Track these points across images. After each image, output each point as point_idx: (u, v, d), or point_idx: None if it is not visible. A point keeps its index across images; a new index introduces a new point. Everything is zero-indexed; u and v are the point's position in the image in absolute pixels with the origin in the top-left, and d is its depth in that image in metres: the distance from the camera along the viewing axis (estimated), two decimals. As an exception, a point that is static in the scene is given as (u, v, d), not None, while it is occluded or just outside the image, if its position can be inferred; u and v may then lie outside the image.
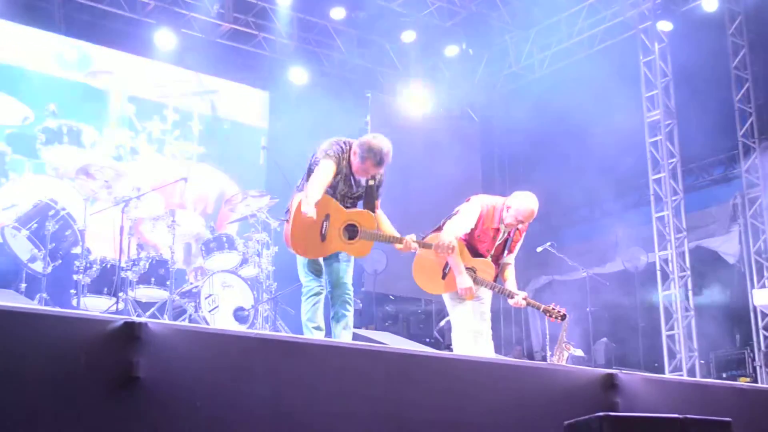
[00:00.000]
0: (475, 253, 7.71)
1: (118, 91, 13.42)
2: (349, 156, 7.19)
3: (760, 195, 14.58)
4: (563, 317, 7.93)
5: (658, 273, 14.77)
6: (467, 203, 7.81)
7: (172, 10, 14.92)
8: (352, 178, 7.22)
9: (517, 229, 7.86)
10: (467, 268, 7.60)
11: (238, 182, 15.12)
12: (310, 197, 6.71)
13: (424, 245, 7.37)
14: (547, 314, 7.92)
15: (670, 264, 14.66)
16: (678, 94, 15.07)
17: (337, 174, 7.07)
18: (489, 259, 7.77)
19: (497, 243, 7.79)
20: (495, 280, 7.80)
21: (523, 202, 7.72)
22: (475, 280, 7.60)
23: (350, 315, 7.28)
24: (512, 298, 7.73)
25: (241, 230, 11.99)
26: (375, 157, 7.09)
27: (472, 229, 7.68)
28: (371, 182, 7.30)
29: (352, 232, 7.08)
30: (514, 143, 18.18)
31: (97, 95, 13.64)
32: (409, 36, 16.88)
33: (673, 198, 14.82)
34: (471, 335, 7.64)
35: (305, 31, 16.49)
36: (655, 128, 15.15)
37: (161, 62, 14.96)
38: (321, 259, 7.15)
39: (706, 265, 15.06)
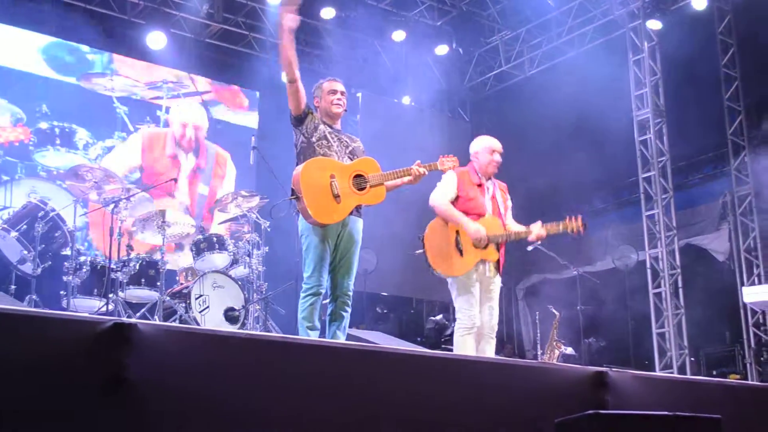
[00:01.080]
0: (476, 216, 7.72)
1: (110, 93, 13.38)
2: (320, 115, 7.40)
3: (750, 193, 14.64)
4: (583, 225, 7.77)
5: (648, 271, 14.82)
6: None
7: (161, 10, 14.92)
8: (335, 132, 7.35)
9: (501, 191, 8.06)
10: None
11: (235, 186, 15.11)
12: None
13: (431, 166, 7.46)
14: (568, 229, 7.76)
15: (660, 262, 14.70)
16: (667, 92, 15.12)
17: (321, 132, 7.20)
18: (490, 215, 7.80)
19: (488, 198, 7.85)
20: None
21: (480, 140, 8.10)
22: (488, 239, 7.60)
23: (347, 317, 7.26)
24: (530, 235, 7.74)
25: (231, 231, 11.98)
26: (319, 81, 7.56)
27: (460, 196, 7.75)
28: (354, 144, 7.45)
29: (361, 182, 7.10)
30: (504, 142, 18.14)
31: (90, 96, 13.60)
32: (399, 35, 16.90)
33: (663, 196, 14.86)
34: (469, 332, 7.63)
35: (295, 31, 16.42)
36: (644, 127, 15.19)
37: (153, 64, 14.93)
38: (329, 255, 7.07)
39: (695, 263, 15.10)
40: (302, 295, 7.06)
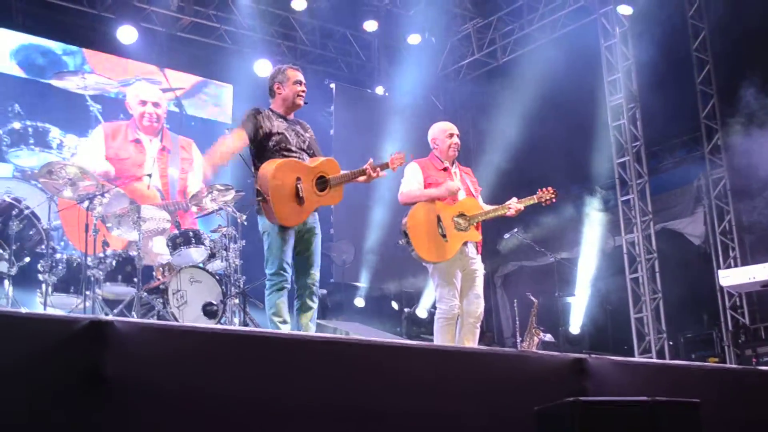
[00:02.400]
0: (452, 201, 7.81)
1: (83, 91, 13.26)
2: (276, 105, 7.45)
3: (724, 176, 14.69)
4: (554, 194, 8.03)
5: (625, 256, 14.88)
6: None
7: (131, 4, 14.82)
8: (290, 125, 7.39)
9: (467, 174, 8.18)
10: (459, 214, 7.71)
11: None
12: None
13: (383, 166, 7.50)
14: (541, 200, 8.02)
15: (636, 247, 14.76)
16: (640, 77, 15.15)
17: (276, 131, 7.24)
18: (465, 197, 7.90)
19: (457, 180, 7.95)
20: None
21: (435, 126, 8.19)
22: (469, 220, 7.71)
23: (316, 306, 7.32)
24: (508, 210, 7.88)
25: (207, 225, 11.93)
26: (281, 67, 7.53)
27: (429, 183, 7.82)
28: (308, 134, 7.53)
29: (322, 183, 7.20)
30: (477, 129, 18.21)
31: (63, 95, 13.48)
32: (371, 25, 16.88)
33: (638, 181, 14.92)
34: (449, 322, 7.65)
35: (267, 23, 16.42)
36: (618, 112, 15.24)
37: (125, 59, 14.83)
38: (291, 250, 7.15)
39: (672, 247, 15.16)
40: (268, 291, 7.12)
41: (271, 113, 7.38)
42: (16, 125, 11.87)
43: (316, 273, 7.31)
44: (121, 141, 13.61)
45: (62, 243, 12.44)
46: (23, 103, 12.63)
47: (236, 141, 7.25)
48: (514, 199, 7.96)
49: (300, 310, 7.23)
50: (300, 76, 7.47)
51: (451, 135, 8.03)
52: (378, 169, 7.42)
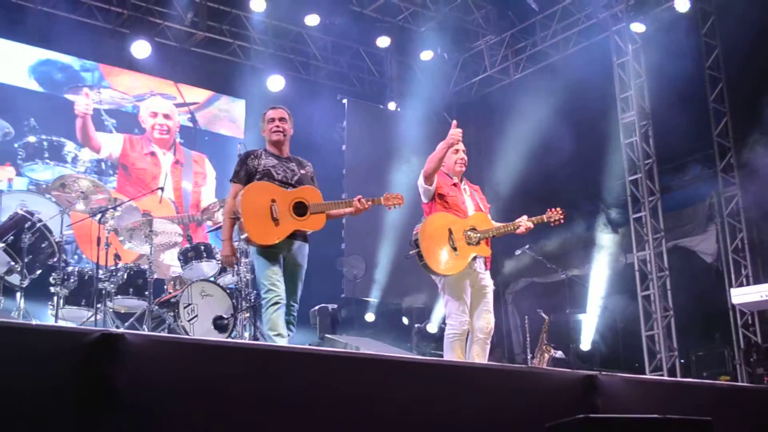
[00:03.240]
0: (463, 214, 7.81)
1: (98, 105, 13.33)
2: (261, 150, 7.59)
3: (736, 194, 14.65)
4: (563, 215, 8.12)
5: (637, 274, 14.83)
6: None
7: (146, 19, 14.90)
8: (281, 162, 7.49)
9: (476, 191, 8.16)
10: (470, 228, 7.69)
11: (216, 191, 15.09)
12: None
13: (375, 201, 7.60)
14: (550, 220, 8.11)
15: (648, 264, 14.72)
16: (652, 95, 15.14)
17: (263, 168, 7.37)
18: (476, 212, 7.91)
19: (467, 197, 7.97)
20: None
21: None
22: (480, 235, 7.69)
23: (293, 335, 7.43)
24: (518, 228, 7.91)
25: (218, 239, 11.94)
26: (266, 112, 7.73)
27: (442, 194, 7.81)
28: (303, 171, 7.57)
29: (302, 209, 7.28)
30: (489, 146, 18.23)
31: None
32: (384, 41, 16.92)
33: (650, 198, 14.90)
34: (459, 338, 7.64)
35: (280, 38, 16.48)
36: (630, 129, 15.23)
37: (141, 74, 14.90)
38: (280, 270, 7.26)
39: (684, 265, 15.10)
40: (264, 309, 7.23)
41: (263, 153, 7.55)
42: (32, 139, 11.95)
43: (295, 303, 7.41)
44: (138, 153, 13.72)
45: (76, 256, 12.48)
46: (39, 118, 12.69)
47: (232, 201, 7.39)
48: (525, 217, 8.00)
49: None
50: (271, 114, 7.69)
51: (457, 151, 8.03)
52: (367, 202, 7.55)
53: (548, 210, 8.12)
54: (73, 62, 14.48)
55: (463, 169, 8.07)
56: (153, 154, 13.72)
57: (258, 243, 7.16)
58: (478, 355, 7.63)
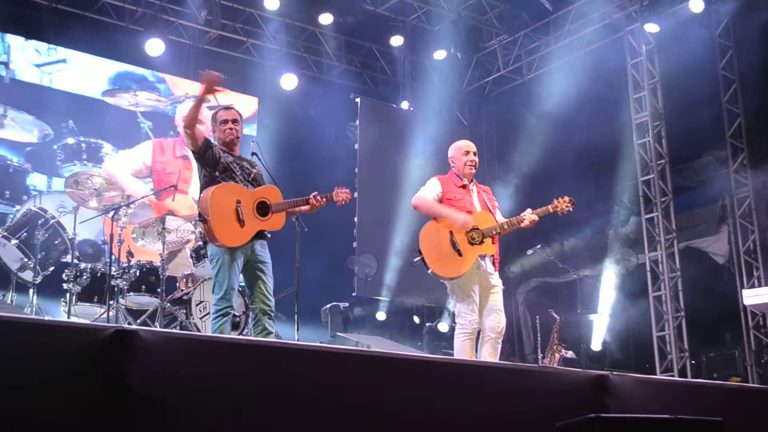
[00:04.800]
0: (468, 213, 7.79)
1: (134, 108, 13.40)
2: (219, 144, 7.62)
3: (749, 195, 14.61)
4: (571, 203, 8.01)
5: (648, 274, 14.81)
6: None
7: (159, 17, 14.93)
8: (236, 160, 7.57)
9: (485, 192, 8.12)
10: (472, 228, 7.66)
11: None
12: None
13: (328, 197, 7.75)
14: (557, 210, 8.00)
15: (660, 265, 14.70)
16: (666, 95, 15.12)
17: (224, 162, 7.42)
18: (481, 210, 7.88)
19: (475, 198, 7.95)
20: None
21: (453, 145, 8.22)
22: (483, 234, 7.66)
23: (274, 331, 7.48)
24: (522, 222, 7.84)
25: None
26: (218, 112, 7.74)
27: (448, 198, 7.83)
28: (255, 170, 7.68)
29: (264, 208, 7.37)
30: (502, 146, 18.25)
31: (114, 112, 13.64)
32: (397, 40, 16.93)
33: (663, 199, 14.88)
34: (469, 337, 7.64)
35: (293, 36, 16.50)
36: (643, 130, 15.20)
37: (177, 77, 15.02)
38: (238, 277, 7.33)
39: (695, 266, 15.07)
40: (213, 315, 7.30)
41: (219, 150, 7.55)
42: (70, 141, 12.06)
43: (270, 299, 7.45)
44: (169, 156, 13.79)
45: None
46: (77, 120, 12.79)
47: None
48: (529, 210, 7.90)
49: (261, 335, 7.35)
50: (224, 116, 7.70)
51: (467, 153, 8.04)
52: (322, 199, 7.69)
53: (554, 200, 8.00)
54: (108, 63, 14.68)
55: (473, 171, 8.06)
56: (186, 158, 13.77)
57: (225, 244, 7.18)
58: (490, 355, 7.63)
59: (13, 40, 13.66)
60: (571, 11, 16.04)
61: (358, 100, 16.81)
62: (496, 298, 7.76)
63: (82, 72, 14.18)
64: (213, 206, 7.14)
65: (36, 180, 12.87)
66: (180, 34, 15.37)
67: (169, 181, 11.84)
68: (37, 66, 13.87)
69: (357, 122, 16.76)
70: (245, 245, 7.24)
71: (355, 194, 15.47)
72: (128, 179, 13.31)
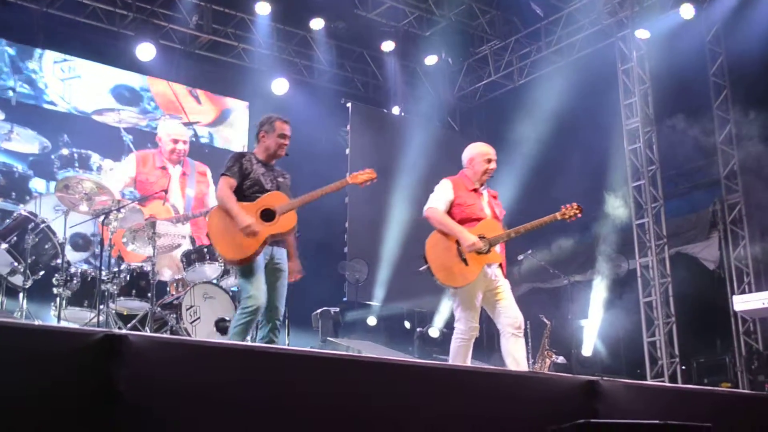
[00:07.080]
0: (476, 221, 7.75)
1: (118, 124, 13.80)
2: (258, 152, 7.59)
3: (739, 201, 14.65)
4: (579, 210, 8.08)
5: (639, 280, 14.83)
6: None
7: (150, 22, 14.94)
8: (269, 171, 7.54)
9: (493, 197, 8.11)
10: (478, 236, 7.61)
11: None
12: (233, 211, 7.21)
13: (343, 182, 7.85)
14: (565, 217, 8.06)
15: (650, 270, 14.72)
16: (656, 101, 15.15)
17: (254, 176, 7.40)
18: (489, 218, 7.83)
19: (485, 203, 7.91)
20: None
21: (475, 147, 8.23)
22: (489, 243, 7.62)
23: (278, 341, 7.46)
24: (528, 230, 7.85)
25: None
26: (271, 117, 7.63)
27: (459, 203, 7.77)
28: (281, 180, 7.60)
29: (269, 215, 7.30)
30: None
31: (101, 128, 14.11)
32: (388, 46, 16.93)
33: (653, 205, 14.90)
34: (466, 342, 7.63)
35: (285, 41, 16.50)
36: (634, 135, 15.23)
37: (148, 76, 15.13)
38: (263, 277, 7.25)
39: (686, 272, 15.09)
40: (241, 311, 7.19)
41: (253, 157, 7.53)
42: (65, 151, 12.56)
43: (280, 308, 7.41)
44: (150, 167, 14.03)
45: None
46: (70, 134, 13.51)
47: (227, 190, 7.36)
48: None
49: (263, 341, 7.34)
50: (286, 129, 7.60)
51: (490, 161, 7.98)
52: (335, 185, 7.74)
53: (562, 207, 8.03)
54: (97, 84, 15.32)
55: (489, 178, 8.03)
56: (164, 168, 13.98)
57: (237, 259, 7.18)
58: (517, 351, 7.60)
59: (46, 58, 14.76)
60: (563, 17, 16.08)
61: (349, 105, 16.81)
62: (507, 295, 7.73)
63: (88, 86, 15.14)
64: (212, 227, 7.30)
65: (37, 184, 13.95)
66: (171, 38, 15.37)
67: (153, 190, 11.92)
68: (62, 80, 14.99)
69: (348, 127, 16.77)
70: (256, 252, 7.16)
71: (346, 199, 15.48)
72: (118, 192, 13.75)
